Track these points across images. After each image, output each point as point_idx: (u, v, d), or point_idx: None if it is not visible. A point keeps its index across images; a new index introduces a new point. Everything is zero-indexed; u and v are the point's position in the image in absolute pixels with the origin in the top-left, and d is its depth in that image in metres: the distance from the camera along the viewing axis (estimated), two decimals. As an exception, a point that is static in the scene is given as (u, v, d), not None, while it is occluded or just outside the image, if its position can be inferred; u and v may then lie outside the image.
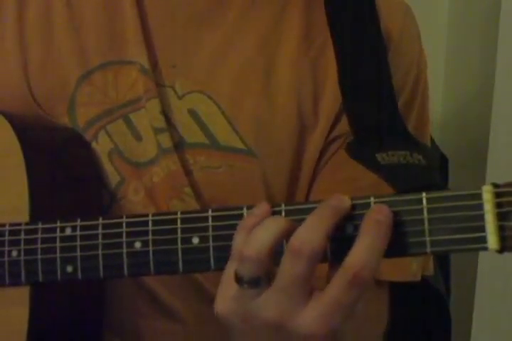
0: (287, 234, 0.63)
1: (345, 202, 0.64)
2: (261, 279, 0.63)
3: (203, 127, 0.87)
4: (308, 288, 0.63)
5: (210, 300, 0.87)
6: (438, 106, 1.41)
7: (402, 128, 0.86)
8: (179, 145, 0.86)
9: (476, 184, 1.32)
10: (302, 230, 0.63)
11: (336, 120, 0.88)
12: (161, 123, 0.86)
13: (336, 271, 0.63)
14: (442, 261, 0.98)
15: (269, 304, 0.64)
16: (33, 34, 0.88)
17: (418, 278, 0.87)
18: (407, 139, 0.85)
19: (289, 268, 0.62)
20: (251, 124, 0.87)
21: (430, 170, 0.84)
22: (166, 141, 0.86)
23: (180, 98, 0.87)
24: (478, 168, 1.33)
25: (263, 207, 0.66)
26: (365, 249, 0.61)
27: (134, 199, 0.86)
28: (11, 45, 0.88)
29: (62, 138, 0.86)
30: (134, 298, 0.87)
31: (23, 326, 0.76)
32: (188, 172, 0.86)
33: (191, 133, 0.86)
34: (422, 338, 0.98)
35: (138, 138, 0.86)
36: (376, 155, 0.83)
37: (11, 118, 0.81)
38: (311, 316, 0.63)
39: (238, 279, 0.64)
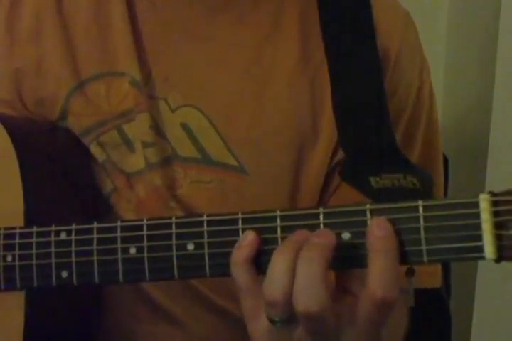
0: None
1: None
2: (294, 317, 0.63)
3: (195, 141, 0.86)
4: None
5: (209, 305, 0.87)
6: (438, 106, 1.40)
7: (396, 149, 0.84)
8: (171, 158, 0.86)
9: (476, 184, 1.33)
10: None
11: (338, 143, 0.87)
12: (149, 137, 0.85)
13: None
14: (442, 261, 0.98)
15: (306, 332, 0.64)
16: (24, 42, 0.87)
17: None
18: (401, 160, 0.83)
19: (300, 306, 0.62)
20: (244, 141, 0.86)
21: (424, 194, 0.82)
22: (153, 155, 0.85)
23: (173, 111, 0.86)
24: (478, 168, 1.33)
25: (249, 237, 0.66)
26: (381, 271, 0.61)
27: (127, 207, 0.86)
28: (1, 51, 0.87)
29: (58, 141, 0.86)
30: (133, 303, 0.87)
31: (19, 330, 0.76)
32: (177, 186, 0.86)
33: (184, 147, 0.86)
34: (422, 338, 0.97)
35: (131, 149, 0.86)
36: (370, 178, 0.81)
37: (4, 121, 0.80)
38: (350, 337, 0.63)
39: (271, 321, 0.64)
